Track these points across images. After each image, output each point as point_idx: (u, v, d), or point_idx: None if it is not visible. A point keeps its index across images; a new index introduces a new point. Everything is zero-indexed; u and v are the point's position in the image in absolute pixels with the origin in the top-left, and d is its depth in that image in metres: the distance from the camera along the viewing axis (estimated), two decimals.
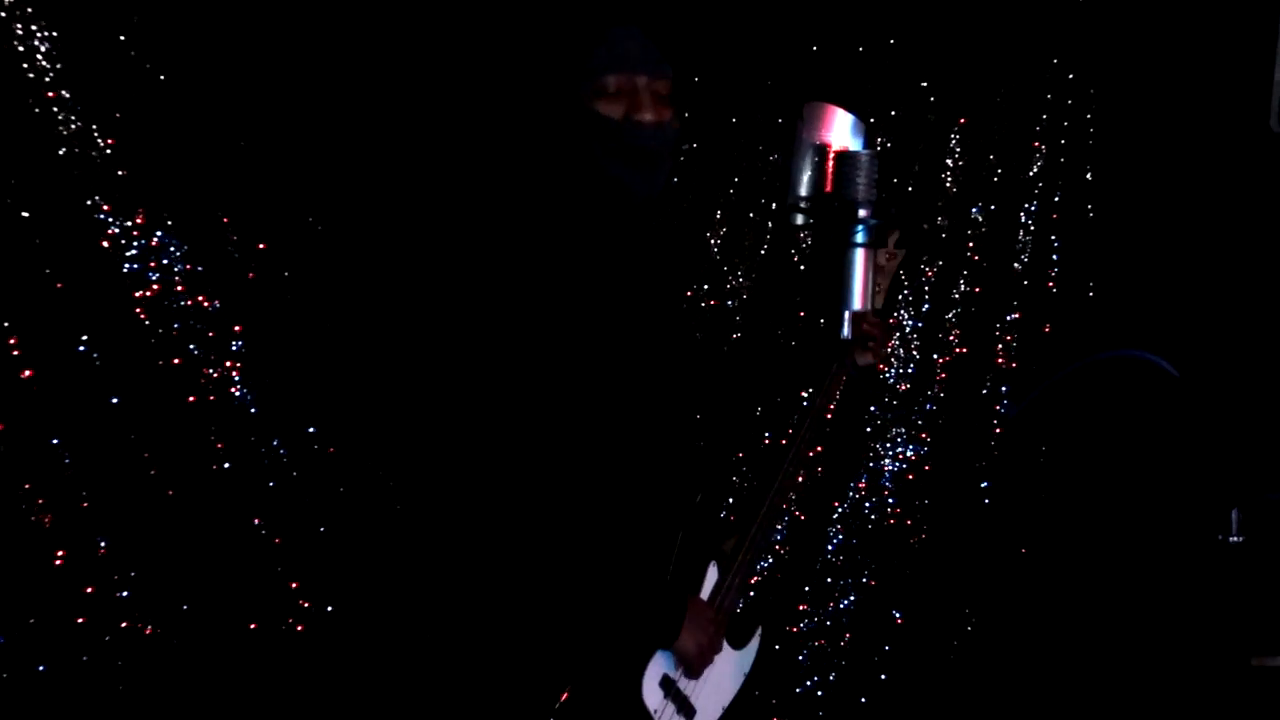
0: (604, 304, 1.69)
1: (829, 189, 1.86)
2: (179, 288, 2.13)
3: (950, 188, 2.94)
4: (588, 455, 1.65)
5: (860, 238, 1.83)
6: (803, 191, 1.85)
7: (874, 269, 1.66)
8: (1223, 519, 1.86)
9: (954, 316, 2.95)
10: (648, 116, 1.69)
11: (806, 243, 2.75)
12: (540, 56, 2.18)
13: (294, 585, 2.23)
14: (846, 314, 1.87)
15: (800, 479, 1.81)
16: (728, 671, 1.72)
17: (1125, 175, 2.94)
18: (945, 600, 2.89)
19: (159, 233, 2.12)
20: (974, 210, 2.96)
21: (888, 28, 2.83)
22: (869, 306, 1.85)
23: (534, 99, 2.00)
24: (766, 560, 2.75)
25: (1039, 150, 3.00)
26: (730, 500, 2.68)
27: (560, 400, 1.65)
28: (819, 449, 2.78)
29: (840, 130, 1.85)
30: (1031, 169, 3.00)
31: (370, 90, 2.26)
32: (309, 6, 2.21)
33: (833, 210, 1.80)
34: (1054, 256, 3.00)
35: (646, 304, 1.74)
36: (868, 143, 1.87)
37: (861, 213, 1.81)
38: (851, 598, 2.86)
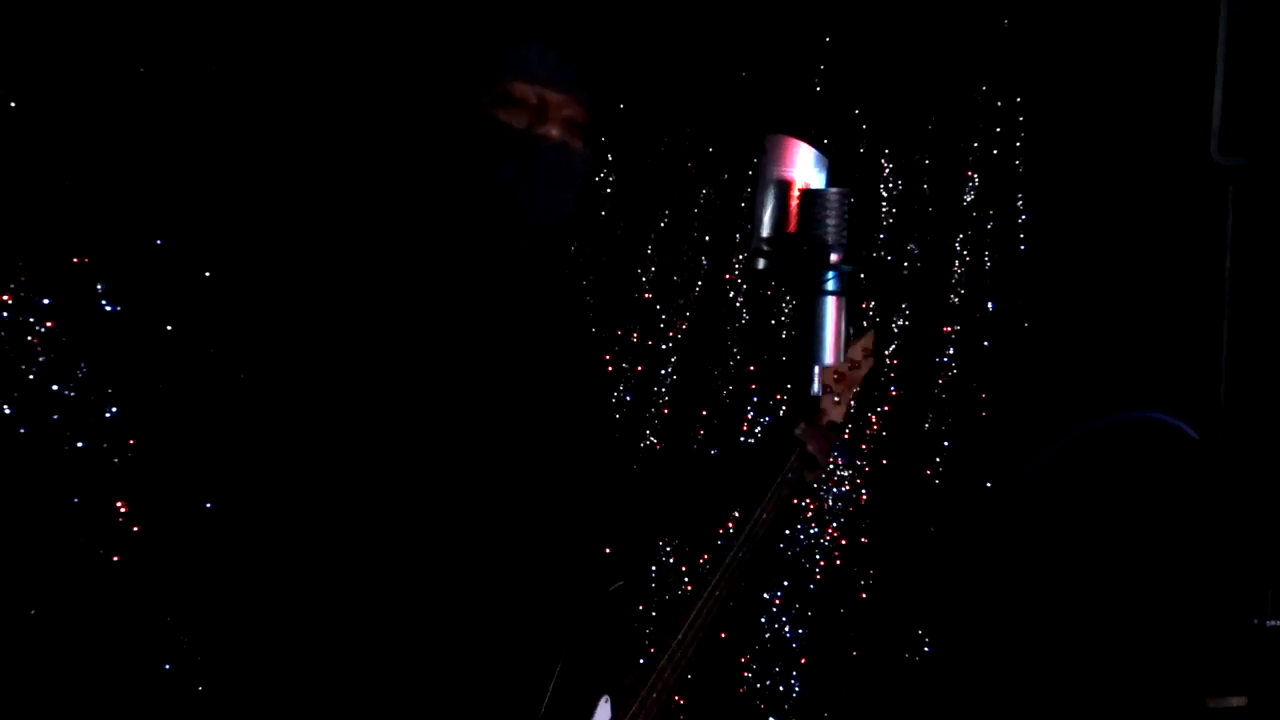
0: (473, 348, 1.40)
1: (792, 229, 1.62)
2: (37, 346, 1.79)
3: (885, 218, 2.80)
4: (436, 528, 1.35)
5: (831, 285, 1.59)
6: (766, 233, 1.60)
7: (835, 377, 1.44)
8: (1258, 601, 1.68)
9: (893, 350, 2.80)
10: (554, 132, 1.43)
11: (740, 279, 2.57)
12: (442, 59, 1.89)
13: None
14: (816, 369, 1.62)
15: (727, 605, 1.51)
16: None
17: (1061, 207, 2.83)
18: (899, 644, 2.72)
19: (12, 284, 1.78)
20: (909, 243, 2.82)
21: (818, 55, 2.69)
22: (840, 360, 1.61)
23: (430, 103, 1.68)
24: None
25: (971, 179, 2.88)
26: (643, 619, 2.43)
27: (412, 472, 1.34)
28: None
29: (803, 165, 1.62)
30: (964, 198, 2.88)
31: (249, 102, 1.94)
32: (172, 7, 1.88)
33: (800, 255, 1.56)
34: (987, 281, 2.89)
35: (535, 352, 1.45)
36: (832, 179, 1.64)
37: (833, 257, 1.57)
38: (800, 631, 2.66)
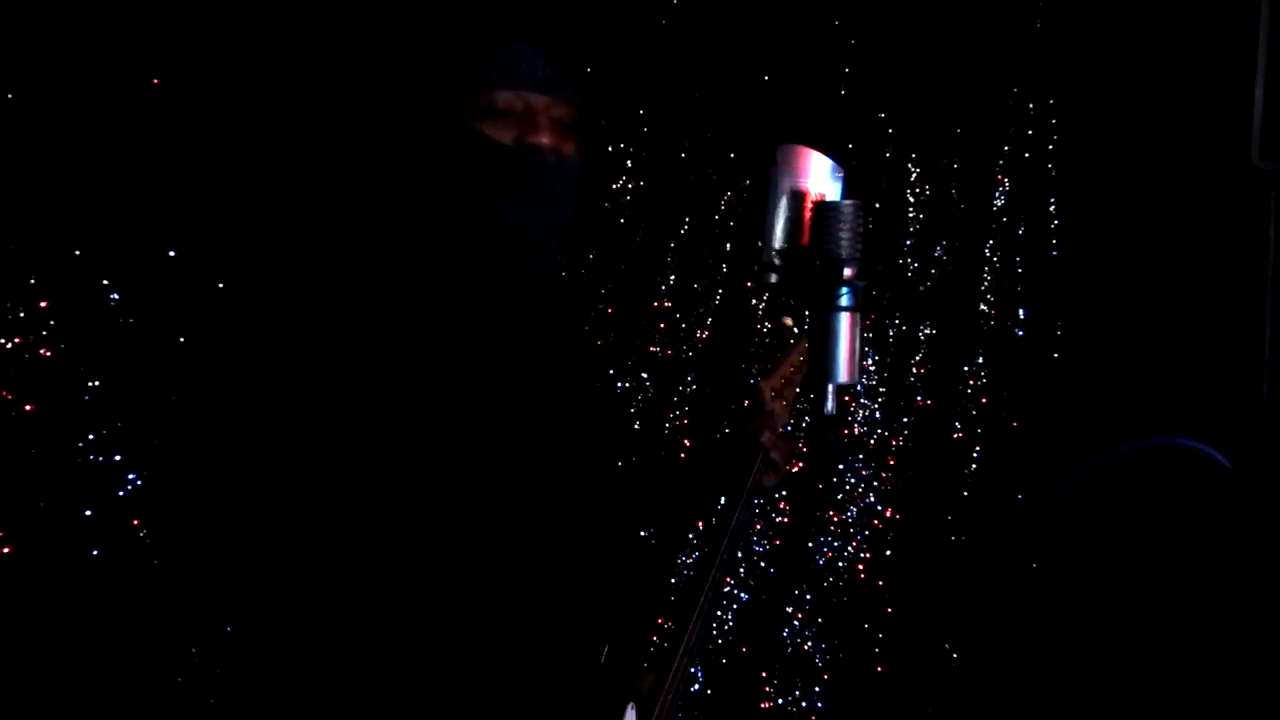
0: (488, 377, 1.36)
1: (805, 241, 1.56)
2: (49, 357, 1.78)
3: (912, 224, 2.73)
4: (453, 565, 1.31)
5: (845, 300, 1.53)
6: (777, 246, 1.54)
7: (782, 382, 1.51)
8: None
9: (919, 359, 2.73)
10: (545, 140, 1.39)
11: (765, 289, 2.51)
12: (418, 69, 1.84)
13: None
14: (830, 388, 1.56)
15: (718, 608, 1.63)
16: None
17: (1095, 212, 2.74)
18: (924, 660, 2.65)
19: (23, 295, 1.77)
20: (938, 249, 2.75)
21: (844, 58, 2.62)
22: (856, 379, 1.56)
23: (408, 119, 1.63)
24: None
25: (1002, 183, 2.80)
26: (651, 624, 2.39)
27: (419, 507, 1.30)
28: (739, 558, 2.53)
29: (818, 175, 1.55)
30: (995, 203, 2.80)
31: (262, 121, 1.91)
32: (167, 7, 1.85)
33: (813, 269, 1.50)
34: (1018, 288, 2.81)
35: (540, 377, 1.41)
36: (848, 189, 1.57)
37: (847, 272, 1.51)
38: (823, 646, 2.60)
